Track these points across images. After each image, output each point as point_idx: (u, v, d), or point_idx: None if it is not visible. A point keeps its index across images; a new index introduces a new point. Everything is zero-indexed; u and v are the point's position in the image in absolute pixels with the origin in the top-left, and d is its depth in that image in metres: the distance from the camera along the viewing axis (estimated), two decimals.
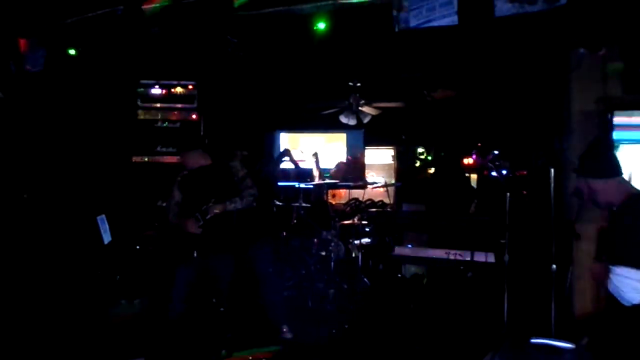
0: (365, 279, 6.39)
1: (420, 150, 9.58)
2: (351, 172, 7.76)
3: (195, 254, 4.36)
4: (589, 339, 2.98)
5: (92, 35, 4.87)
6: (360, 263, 6.35)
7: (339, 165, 8.17)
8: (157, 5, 4.55)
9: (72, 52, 4.99)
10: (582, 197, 4.23)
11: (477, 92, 7.27)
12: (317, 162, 6.89)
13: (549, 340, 2.96)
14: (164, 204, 4.73)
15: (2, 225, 4.86)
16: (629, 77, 4.26)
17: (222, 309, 4.53)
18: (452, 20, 3.57)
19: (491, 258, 4.30)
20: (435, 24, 3.62)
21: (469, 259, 4.34)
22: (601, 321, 2.85)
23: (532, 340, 2.95)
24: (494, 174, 6.24)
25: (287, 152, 5.54)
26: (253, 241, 4.92)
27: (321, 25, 4.43)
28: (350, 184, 7.91)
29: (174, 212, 4.45)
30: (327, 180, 7.49)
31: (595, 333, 2.87)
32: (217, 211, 4.36)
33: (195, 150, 4.48)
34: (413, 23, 3.69)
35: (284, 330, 4.96)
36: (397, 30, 3.81)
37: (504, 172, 5.94)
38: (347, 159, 8.70)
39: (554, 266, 4.22)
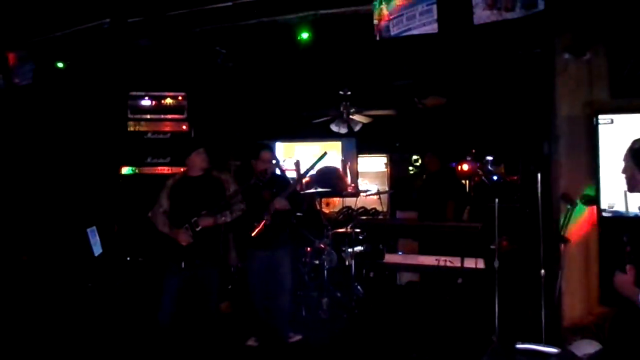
0: (358, 287, 6.38)
1: (415, 157, 9.60)
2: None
3: (182, 265, 4.36)
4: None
5: (81, 48, 4.90)
6: (353, 271, 6.34)
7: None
8: None
9: (60, 65, 5.00)
10: (570, 202, 4.27)
11: (468, 99, 7.30)
12: (298, 171, 6.78)
13: (535, 345, 2.96)
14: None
15: None
16: (615, 81, 4.28)
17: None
18: (432, 28, 3.58)
19: (481, 264, 4.29)
20: (415, 32, 3.64)
21: (459, 265, 4.33)
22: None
23: (518, 346, 2.94)
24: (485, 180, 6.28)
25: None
26: (282, 244, 4.90)
27: (305, 35, 4.45)
28: (342, 192, 7.92)
29: (162, 221, 4.44)
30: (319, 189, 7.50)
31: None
32: (207, 224, 4.37)
33: (199, 150, 4.49)
34: (394, 31, 3.70)
35: (290, 335, 4.99)
36: (378, 38, 3.83)
37: (495, 178, 5.97)
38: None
39: (543, 271, 4.22)
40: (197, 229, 4.35)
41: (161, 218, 4.44)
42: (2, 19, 4.66)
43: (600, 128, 4.15)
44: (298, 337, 5.02)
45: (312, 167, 4.76)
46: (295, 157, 9.27)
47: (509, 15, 3.45)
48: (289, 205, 4.68)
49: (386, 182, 9.54)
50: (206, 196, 4.44)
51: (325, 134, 8.78)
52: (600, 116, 4.13)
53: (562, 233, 4.20)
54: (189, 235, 4.31)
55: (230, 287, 6.16)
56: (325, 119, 8.21)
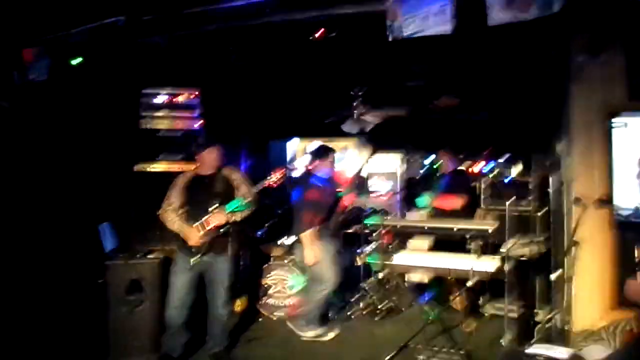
0: (367, 288, 6.37)
1: (428, 159, 9.54)
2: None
3: (191, 262, 4.39)
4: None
5: (95, 45, 4.93)
6: (363, 271, 6.33)
7: None
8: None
9: (75, 62, 5.04)
10: (584, 205, 4.22)
11: (481, 99, 7.25)
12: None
13: (545, 349, 2.94)
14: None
15: (5, 233, 4.91)
16: (632, 83, 4.23)
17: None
18: (445, 29, 3.56)
19: (492, 267, 4.26)
20: (428, 33, 3.62)
21: (469, 267, 4.30)
22: None
23: (528, 350, 2.93)
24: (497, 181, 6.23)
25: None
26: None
27: (317, 35, 4.45)
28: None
29: (172, 219, 4.47)
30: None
31: None
32: (218, 223, 4.40)
33: (212, 148, 4.51)
34: (407, 32, 3.69)
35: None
36: (390, 39, 3.81)
37: (507, 179, 5.93)
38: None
39: (554, 275, 4.19)
40: (208, 227, 4.38)
41: (171, 215, 4.47)
42: (18, 15, 4.71)
43: (614, 131, 4.11)
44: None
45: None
46: (308, 155, 9.29)
47: (523, 17, 3.42)
48: None
49: (397, 183, 9.49)
50: (218, 195, 4.47)
51: (336, 133, 8.76)
52: (614, 119, 4.09)
53: (574, 236, 4.16)
54: (198, 236, 4.33)
55: (239, 285, 6.18)
56: (337, 118, 8.19)
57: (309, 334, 5.19)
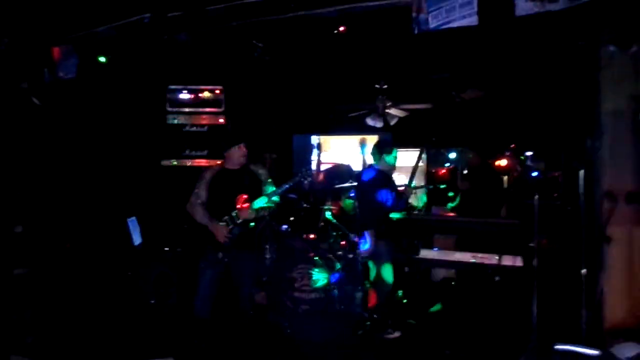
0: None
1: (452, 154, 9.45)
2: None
3: (219, 255, 4.43)
4: None
5: (122, 42, 5.00)
6: None
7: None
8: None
9: (102, 59, 5.12)
10: (614, 199, 4.13)
11: (507, 92, 7.14)
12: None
13: (574, 346, 2.89)
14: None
15: (37, 228, 5.03)
16: None
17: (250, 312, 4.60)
18: (472, 20, 3.51)
19: (519, 262, 4.20)
20: (455, 24, 3.57)
21: (496, 262, 4.25)
22: None
23: (557, 347, 2.89)
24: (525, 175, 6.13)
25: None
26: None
27: (342, 29, 4.43)
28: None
29: (201, 213, 4.50)
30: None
31: None
32: (247, 217, 4.43)
33: (240, 145, 4.55)
34: (432, 24, 3.65)
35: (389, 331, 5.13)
36: (416, 32, 3.78)
37: (535, 174, 5.82)
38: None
39: (584, 271, 4.10)
40: (238, 222, 4.43)
41: (199, 209, 4.50)
42: (46, 14, 4.80)
43: None
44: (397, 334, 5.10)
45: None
46: (333, 150, 9.30)
47: (552, 7, 3.35)
48: None
49: (422, 177, 9.42)
50: (245, 189, 4.50)
51: (359, 128, 8.74)
52: None
53: (604, 232, 4.07)
54: (225, 233, 4.37)
55: (265, 278, 6.23)
56: (361, 112, 8.17)
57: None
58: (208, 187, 4.55)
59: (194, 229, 4.84)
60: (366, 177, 5.34)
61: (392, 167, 5.35)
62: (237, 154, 4.55)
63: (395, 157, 5.32)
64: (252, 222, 4.50)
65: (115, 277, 5.15)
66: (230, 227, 4.41)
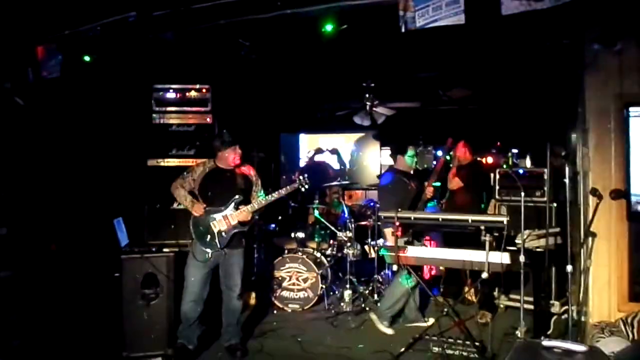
0: (381, 280, 6.38)
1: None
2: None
3: (209, 254, 4.43)
4: None
5: (107, 41, 4.95)
6: (376, 264, 6.34)
7: None
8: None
9: (87, 58, 5.07)
10: (599, 196, 4.17)
11: (494, 90, 7.19)
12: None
13: (562, 342, 2.91)
14: (178, 206, 4.82)
15: (22, 229, 4.97)
16: None
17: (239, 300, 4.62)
18: (458, 19, 3.53)
19: (506, 259, 4.22)
20: (441, 23, 3.58)
21: (484, 259, 4.27)
22: None
23: (544, 342, 2.90)
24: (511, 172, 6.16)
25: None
26: None
27: (328, 27, 4.42)
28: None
29: (182, 193, 4.50)
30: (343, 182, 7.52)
31: None
32: (244, 220, 4.47)
33: (235, 147, 4.58)
34: (419, 23, 3.66)
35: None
36: (403, 30, 3.79)
37: (521, 171, 5.86)
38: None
39: (570, 267, 4.15)
40: (233, 222, 4.44)
41: (182, 191, 4.52)
42: (30, 13, 4.74)
43: (631, 121, 4.04)
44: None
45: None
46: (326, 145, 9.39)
47: (538, 5, 3.37)
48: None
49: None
50: (240, 190, 4.53)
51: (346, 126, 8.76)
52: (631, 108, 4.02)
53: (590, 227, 4.12)
54: (203, 208, 4.42)
55: (253, 278, 6.22)
56: (348, 111, 8.18)
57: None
58: (200, 182, 4.55)
59: (181, 230, 4.84)
60: (383, 181, 5.43)
61: (410, 167, 5.41)
62: (233, 155, 4.57)
63: (412, 156, 5.37)
64: (247, 223, 4.54)
65: (102, 278, 5.10)
66: (226, 227, 4.44)
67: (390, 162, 5.62)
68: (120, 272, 4.75)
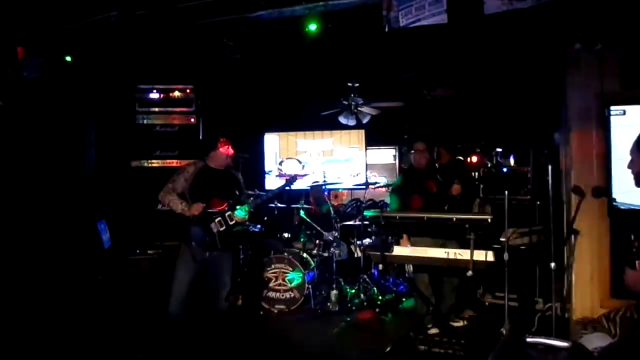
0: (367, 280, 6.38)
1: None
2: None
3: (194, 255, 4.38)
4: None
5: (89, 41, 4.90)
6: (362, 264, 6.35)
7: None
8: None
9: (68, 58, 5.00)
10: (581, 193, 4.22)
11: (478, 89, 7.23)
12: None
13: (545, 338, 2.94)
14: (163, 208, 4.75)
15: (4, 231, 4.89)
16: (627, 72, 4.22)
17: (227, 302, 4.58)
18: (441, 18, 3.55)
19: (491, 257, 4.25)
20: (424, 22, 3.60)
21: (468, 257, 4.29)
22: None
23: (528, 339, 2.92)
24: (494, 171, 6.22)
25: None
26: None
27: (312, 27, 4.42)
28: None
29: (175, 200, 4.40)
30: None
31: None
32: (240, 221, 4.43)
33: (229, 145, 4.53)
34: (403, 22, 3.67)
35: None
36: (387, 30, 3.80)
37: (505, 170, 5.92)
38: None
39: (553, 264, 4.19)
40: (231, 223, 4.41)
41: (174, 196, 4.41)
42: (11, 13, 4.67)
43: (612, 119, 4.10)
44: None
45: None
46: (303, 148, 9.29)
47: (519, 5, 3.40)
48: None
49: (395, 175, 9.49)
50: (230, 191, 4.50)
51: (331, 126, 8.75)
52: (612, 107, 4.08)
53: (573, 225, 4.16)
54: (201, 207, 4.33)
55: (239, 279, 6.19)
56: (333, 111, 8.17)
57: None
58: (191, 182, 4.48)
59: (166, 231, 4.79)
60: (395, 183, 5.43)
61: (419, 164, 5.29)
62: (224, 155, 4.53)
63: (418, 152, 5.25)
64: (241, 224, 4.51)
65: (86, 281, 5.04)
66: (224, 227, 4.40)
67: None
68: (103, 274, 4.71)
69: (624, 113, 4.04)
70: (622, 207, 4.06)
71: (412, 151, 5.24)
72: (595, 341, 3.62)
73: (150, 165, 5.34)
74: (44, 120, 5.36)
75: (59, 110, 5.42)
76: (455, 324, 4.97)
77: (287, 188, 4.86)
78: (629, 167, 2.57)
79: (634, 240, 2.57)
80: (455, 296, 5.10)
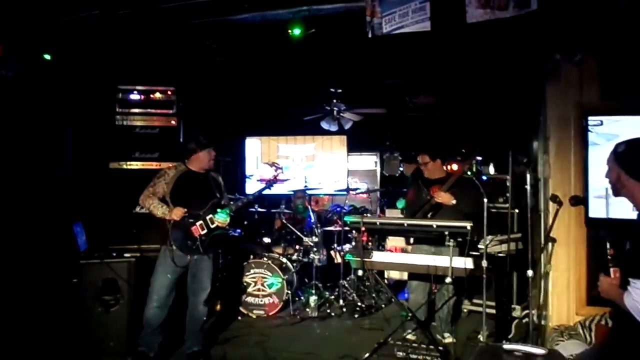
0: (346, 285, 6.38)
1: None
2: None
3: (174, 259, 4.32)
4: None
5: (69, 40, 4.82)
6: (342, 269, 6.34)
7: None
8: None
9: (47, 57, 4.91)
10: (559, 202, 4.27)
11: (459, 97, 7.31)
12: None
13: (522, 345, 2.96)
14: (141, 210, 4.69)
15: None
16: (606, 83, 4.29)
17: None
18: (424, 26, 3.57)
19: (470, 264, 4.27)
20: (407, 29, 3.62)
21: (447, 264, 4.31)
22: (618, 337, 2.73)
23: (505, 346, 2.94)
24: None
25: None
26: None
27: (296, 32, 4.41)
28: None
29: (155, 203, 4.33)
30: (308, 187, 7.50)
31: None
32: (222, 224, 4.38)
33: (210, 150, 4.50)
34: (386, 29, 3.68)
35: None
36: (370, 36, 3.81)
37: (484, 178, 5.96)
38: None
39: (531, 271, 4.23)
40: (212, 226, 4.36)
41: (155, 200, 4.35)
42: None
43: (590, 129, 4.16)
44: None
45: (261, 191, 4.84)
46: (285, 153, 9.25)
47: (501, 14, 3.44)
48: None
49: (376, 181, 9.53)
50: (212, 195, 4.46)
51: (315, 131, 8.76)
52: (590, 117, 4.14)
53: (550, 233, 4.21)
54: (182, 211, 4.28)
55: (217, 284, 6.13)
56: (315, 116, 8.19)
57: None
58: (172, 186, 4.42)
59: (144, 234, 4.72)
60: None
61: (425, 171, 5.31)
62: (207, 158, 4.50)
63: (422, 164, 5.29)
64: (223, 228, 4.47)
65: (61, 284, 4.93)
66: (205, 231, 4.35)
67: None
68: (79, 277, 4.62)
69: (602, 123, 4.10)
70: (598, 216, 4.11)
71: (421, 164, 5.22)
72: (570, 348, 3.66)
73: (129, 167, 5.27)
74: (21, 119, 5.26)
75: (36, 110, 5.32)
76: (446, 340, 4.94)
77: (268, 191, 4.84)
78: (606, 176, 2.61)
79: (609, 248, 2.61)
80: (449, 312, 5.09)
